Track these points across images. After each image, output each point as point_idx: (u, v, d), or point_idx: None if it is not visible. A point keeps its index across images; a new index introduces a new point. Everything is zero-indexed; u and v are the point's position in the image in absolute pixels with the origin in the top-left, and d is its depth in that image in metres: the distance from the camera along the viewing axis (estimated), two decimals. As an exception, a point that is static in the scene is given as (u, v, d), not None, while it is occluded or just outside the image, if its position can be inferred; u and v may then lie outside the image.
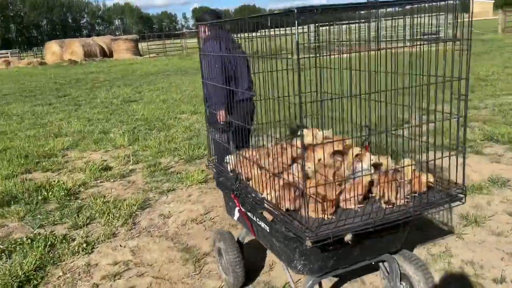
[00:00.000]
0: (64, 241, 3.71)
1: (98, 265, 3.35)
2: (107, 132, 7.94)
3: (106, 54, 34.82)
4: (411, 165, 2.31)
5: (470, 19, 1.97)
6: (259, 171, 2.45)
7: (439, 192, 2.30)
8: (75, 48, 33.52)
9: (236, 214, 2.92)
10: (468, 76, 2.06)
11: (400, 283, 2.48)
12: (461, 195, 2.25)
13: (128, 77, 18.68)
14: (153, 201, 4.55)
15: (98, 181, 5.28)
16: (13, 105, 12.31)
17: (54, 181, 5.14)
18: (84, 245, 3.60)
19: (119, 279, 3.16)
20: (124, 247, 3.61)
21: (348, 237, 2.01)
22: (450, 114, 2.17)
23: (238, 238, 2.97)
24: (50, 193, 4.77)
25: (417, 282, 2.36)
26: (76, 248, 3.56)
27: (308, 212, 2.07)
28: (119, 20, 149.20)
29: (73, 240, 3.76)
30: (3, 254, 3.51)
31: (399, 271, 2.45)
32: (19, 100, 13.46)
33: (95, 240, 3.70)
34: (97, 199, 4.57)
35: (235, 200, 2.58)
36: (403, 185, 2.21)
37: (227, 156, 2.88)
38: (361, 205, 2.23)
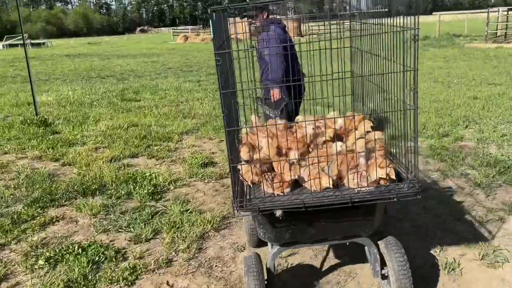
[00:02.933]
0: (113, 259, 3.10)
1: (129, 308, 2.63)
2: (232, 118, 7.38)
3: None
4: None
5: (417, 11, 2.03)
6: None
7: (406, 183, 2.27)
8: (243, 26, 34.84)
9: None
10: (416, 67, 2.07)
11: (383, 268, 2.49)
12: (415, 191, 2.20)
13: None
14: (235, 221, 3.67)
15: (193, 179, 4.65)
16: (168, 79, 12.93)
17: (148, 174, 4.68)
18: (128, 272, 2.92)
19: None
20: (171, 286, 2.82)
21: (278, 213, 2.16)
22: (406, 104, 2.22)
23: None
24: (137, 187, 4.31)
25: (392, 270, 2.38)
26: (118, 275, 2.90)
27: (264, 187, 2.28)
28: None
29: (124, 259, 3.13)
30: (46, 263, 3.07)
31: (378, 256, 2.48)
32: (176, 74, 14.15)
33: (144, 268, 3.00)
34: (177, 205, 3.91)
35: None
36: (360, 171, 2.25)
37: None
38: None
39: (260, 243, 3.09)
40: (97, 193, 4.28)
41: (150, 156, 5.44)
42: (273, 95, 3.86)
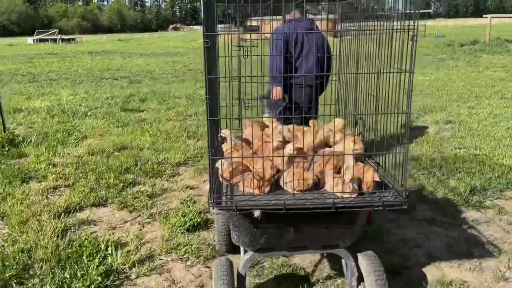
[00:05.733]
0: None
1: None
2: (247, 142, 5.74)
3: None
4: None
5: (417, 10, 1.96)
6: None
7: (392, 192, 2.18)
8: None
9: None
10: (412, 69, 1.98)
11: (359, 284, 2.33)
12: (401, 201, 2.09)
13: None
14: None
15: (170, 258, 3.04)
16: (185, 83, 11.48)
17: (104, 245, 3.09)
18: None
19: None
20: None
21: (257, 213, 2.05)
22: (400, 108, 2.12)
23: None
24: (78, 276, 2.72)
25: (369, 286, 2.22)
26: None
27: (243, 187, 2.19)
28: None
29: None
30: None
31: (355, 270, 2.34)
32: (195, 77, 12.67)
33: None
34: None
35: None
36: (345, 177, 2.15)
37: None
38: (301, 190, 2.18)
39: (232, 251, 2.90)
40: (13, 284, 2.72)
41: (123, 205, 3.85)
42: (273, 94, 3.83)
